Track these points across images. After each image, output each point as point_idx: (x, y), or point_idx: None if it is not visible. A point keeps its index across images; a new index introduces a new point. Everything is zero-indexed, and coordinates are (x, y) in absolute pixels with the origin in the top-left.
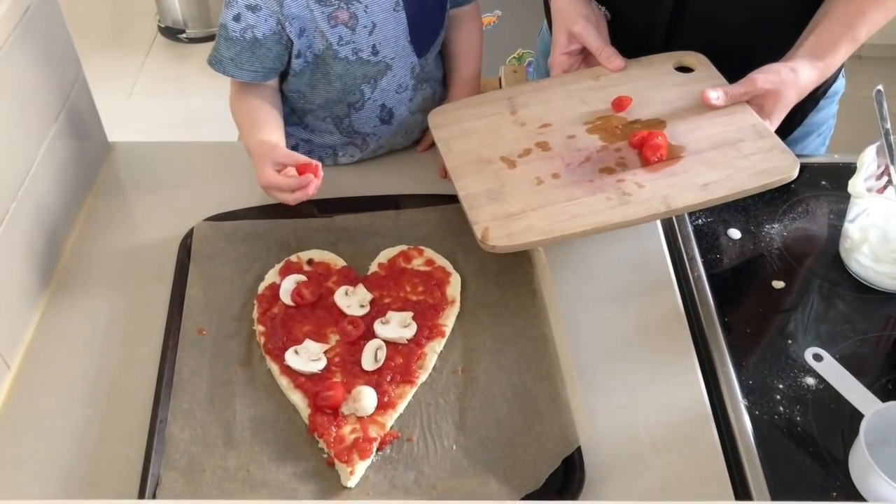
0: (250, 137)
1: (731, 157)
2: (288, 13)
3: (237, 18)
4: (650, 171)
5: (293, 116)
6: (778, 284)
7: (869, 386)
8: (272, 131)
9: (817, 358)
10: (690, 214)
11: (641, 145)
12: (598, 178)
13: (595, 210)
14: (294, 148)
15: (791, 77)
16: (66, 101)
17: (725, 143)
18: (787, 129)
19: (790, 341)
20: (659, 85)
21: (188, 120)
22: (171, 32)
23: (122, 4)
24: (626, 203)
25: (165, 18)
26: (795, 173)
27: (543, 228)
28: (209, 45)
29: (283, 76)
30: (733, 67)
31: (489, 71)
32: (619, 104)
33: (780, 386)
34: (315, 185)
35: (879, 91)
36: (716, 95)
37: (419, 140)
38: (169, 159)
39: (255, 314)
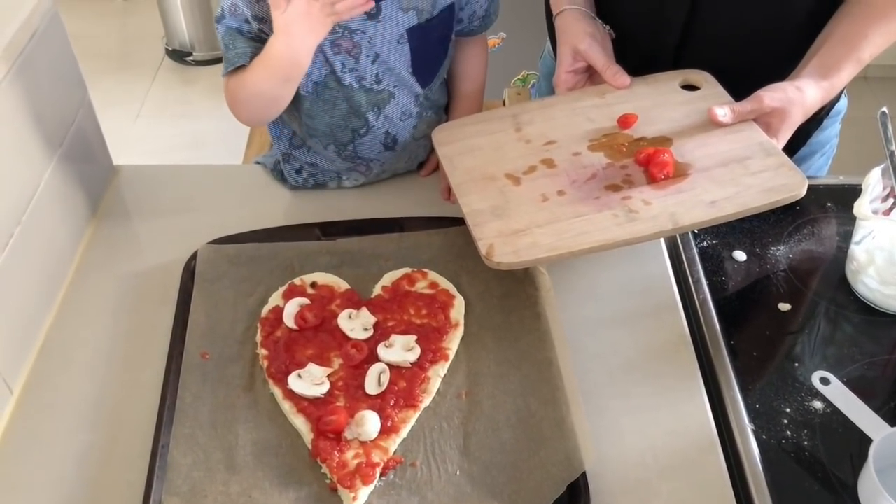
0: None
1: (738, 174)
2: None
3: (247, 22)
4: (657, 189)
5: (297, 138)
6: (784, 307)
7: (877, 410)
8: None
9: (824, 381)
10: (695, 237)
11: (648, 162)
12: (604, 195)
13: (602, 227)
14: (298, 171)
15: (797, 95)
16: (71, 125)
17: (733, 160)
18: (791, 149)
19: (797, 364)
20: (665, 103)
21: (194, 142)
22: (179, 55)
23: (131, 28)
24: (633, 220)
25: (173, 41)
26: (804, 191)
27: (549, 245)
28: (216, 68)
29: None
30: (739, 87)
31: (493, 93)
32: (625, 121)
33: (788, 410)
34: None
35: (884, 113)
36: (723, 112)
37: (423, 163)
38: (174, 182)
39: (259, 338)
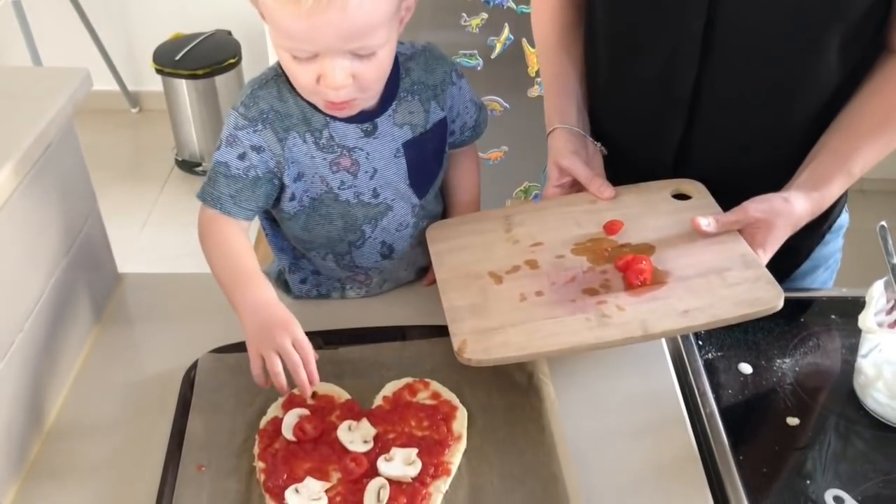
0: (237, 294)
1: (715, 285)
2: (289, 156)
3: (242, 157)
4: (633, 295)
5: (297, 250)
6: (792, 421)
7: None
8: (262, 284)
9: (838, 500)
10: (700, 348)
11: (626, 269)
12: (580, 298)
13: (572, 330)
14: (303, 281)
15: (783, 207)
16: (78, 234)
17: (711, 270)
18: (793, 264)
19: (808, 481)
20: (653, 211)
21: (199, 251)
22: (188, 165)
23: (143, 139)
24: (605, 325)
25: (182, 152)
26: (780, 305)
27: (519, 344)
28: None
29: (279, 219)
30: (734, 200)
31: (496, 203)
32: (611, 228)
33: None
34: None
35: (883, 227)
36: (706, 222)
37: (425, 270)
38: (177, 291)
39: (256, 450)
